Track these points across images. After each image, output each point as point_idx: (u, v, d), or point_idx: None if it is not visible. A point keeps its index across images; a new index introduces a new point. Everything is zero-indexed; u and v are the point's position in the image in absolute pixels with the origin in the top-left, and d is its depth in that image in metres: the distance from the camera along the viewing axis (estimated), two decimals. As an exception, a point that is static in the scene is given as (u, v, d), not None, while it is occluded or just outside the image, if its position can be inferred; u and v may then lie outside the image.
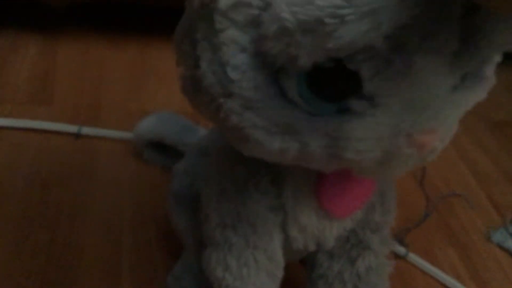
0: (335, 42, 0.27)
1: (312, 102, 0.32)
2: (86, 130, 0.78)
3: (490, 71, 0.34)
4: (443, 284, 0.66)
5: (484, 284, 0.66)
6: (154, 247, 0.65)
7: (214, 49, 0.33)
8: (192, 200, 0.54)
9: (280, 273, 0.48)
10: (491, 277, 0.67)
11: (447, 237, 0.72)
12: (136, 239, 0.65)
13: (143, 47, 0.98)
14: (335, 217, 0.45)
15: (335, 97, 0.32)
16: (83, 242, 0.64)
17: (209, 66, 0.33)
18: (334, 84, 0.31)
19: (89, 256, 0.63)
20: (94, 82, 0.89)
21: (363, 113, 0.31)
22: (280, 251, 0.48)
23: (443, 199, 0.73)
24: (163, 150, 0.73)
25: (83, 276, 0.60)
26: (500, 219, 0.74)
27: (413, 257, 0.68)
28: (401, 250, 0.68)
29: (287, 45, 0.28)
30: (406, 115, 0.31)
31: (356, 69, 0.30)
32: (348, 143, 0.32)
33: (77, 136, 0.78)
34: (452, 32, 0.30)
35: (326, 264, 0.50)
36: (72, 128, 0.78)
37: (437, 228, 0.72)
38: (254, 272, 0.47)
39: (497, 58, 0.33)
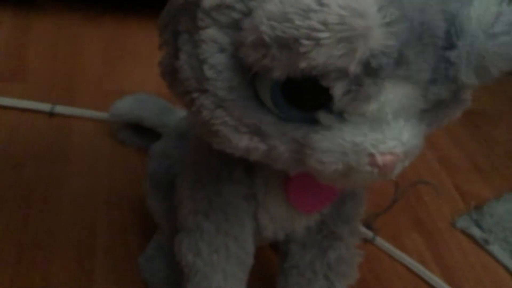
0: (309, 62, 0.28)
1: (283, 109, 0.33)
2: (60, 109, 0.77)
3: (465, 94, 0.36)
4: (408, 268, 0.68)
5: (447, 268, 0.69)
6: (128, 228, 0.65)
7: (194, 44, 0.33)
8: (169, 183, 0.55)
9: (250, 260, 0.49)
10: (454, 261, 0.70)
11: (413, 223, 0.74)
12: (111, 220, 0.66)
13: (120, 24, 0.97)
14: (302, 212, 0.47)
15: (306, 107, 0.33)
16: (57, 223, 0.64)
17: (187, 60, 0.34)
18: (306, 94, 0.32)
19: (63, 236, 0.63)
20: (69, 59, 0.88)
21: (330, 127, 0.32)
22: (251, 239, 0.49)
23: (411, 186, 0.75)
24: (139, 131, 0.73)
25: (56, 257, 0.61)
26: (465, 206, 0.77)
27: (380, 242, 0.70)
28: (369, 234, 0.70)
29: (263, 56, 0.29)
30: (371, 134, 0.32)
31: (328, 86, 0.30)
32: (312, 152, 0.33)
33: (51, 114, 0.77)
34: (426, 63, 0.31)
35: (298, 255, 0.51)
36: (46, 107, 0.77)
37: (404, 214, 0.75)
38: (224, 258, 0.48)
39: (474, 85, 0.34)
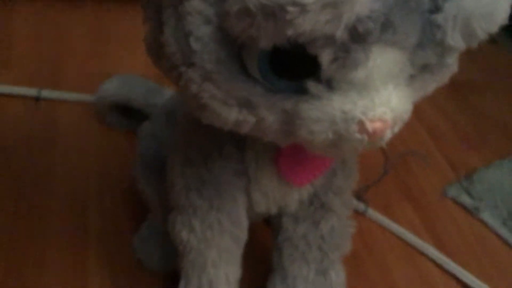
0: (295, 29, 0.28)
1: (271, 79, 0.33)
2: (46, 94, 0.77)
3: (452, 59, 0.36)
4: (400, 238, 0.69)
5: (439, 237, 0.70)
6: (120, 210, 0.66)
7: (179, 17, 0.32)
8: (159, 164, 0.55)
9: (244, 236, 0.50)
10: (446, 230, 0.71)
11: (404, 194, 0.74)
12: (102, 203, 0.66)
13: (104, 7, 0.96)
14: (293, 185, 0.47)
15: (294, 77, 0.32)
16: (48, 209, 0.64)
17: (172, 34, 0.33)
18: (294, 64, 0.32)
19: (55, 222, 0.63)
20: (53, 44, 0.87)
21: (319, 96, 0.32)
22: (244, 214, 0.49)
23: (401, 157, 0.76)
24: (126, 112, 0.72)
25: (49, 242, 0.61)
26: (455, 176, 0.78)
27: (372, 213, 0.70)
28: (360, 206, 0.70)
29: (249, 25, 0.29)
30: (360, 101, 0.32)
31: (315, 54, 0.30)
32: (302, 122, 0.33)
33: (37, 99, 0.76)
34: (413, 26, 0.31)
35: (291, 228, 0.52)
36: (32, 92, 0.77)
37: (395, 185, 0.75)
38: (218, 234, 0.48)
39: (461, 48, 0.34)
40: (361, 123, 0.33)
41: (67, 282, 0.58)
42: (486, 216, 0.72)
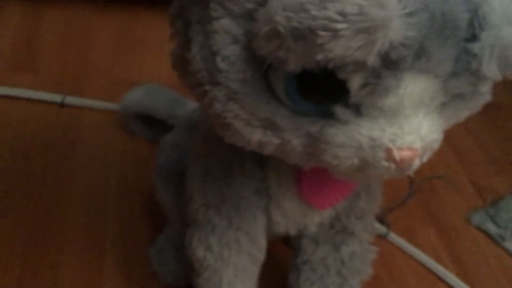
0: (326, 54, 0.27)
1: (298, 102, 0.32)
2: (70, 100, 0.77)
3: (486, 87, 0.34)
4: (422, 264, 0.67)
5: (462, 264, 0.68)
6: (138, 219, 0.65)
7: (206, 35, 0.32)
8: (179, 175, 0.54)
9: (261, 256, 0.49)
10: (469, 258, 0.69)
11: (428, 218, 0.73)
12: (121, 211, 0.66)
13: (130, 15, 0.96)
14: (315, 207, 0.46)
15: (322, 101, 0.32)
16: (67, 213, 0.64)
17: (199, 51, 0.33)
18: (322, 87, 0.31)
19: (73, 227, 0.63)
20: (79, 50, 0.87)
21: (346, 121, 0.31)
22: (262, 234, 0.48)
23: (426, 181, 0.74)
24: (149, 122, 0.72)
25: (67, 247, 0.61)
26: (481, 201, 0.75)
27: (394, 237, 0.69)
28: (382, 229, 0.69)
29: (277, 47, 0.28)
30: (389, 129, 0.31)
31: (345, 78, 0.29)
32: (327, 147, 0.32)
33: (61, 105, 0.77)
34: (447, 55, 0.30)
35: (311, 250, 0.51)
36: (56, 97, 0.77)
37: (419, 209, 0.73)
38: (236, 253, 0.47)
39: (496, 78, 0.33)
40: (389, 151, 0.32)
41: (81, 284, 0.57)
42: (511, 245, 0.70)
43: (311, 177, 0.44)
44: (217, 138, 0.45)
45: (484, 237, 0.72)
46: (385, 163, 0.32)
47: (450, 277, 0.65)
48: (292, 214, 0.47)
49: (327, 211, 0.48)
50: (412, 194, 0.71)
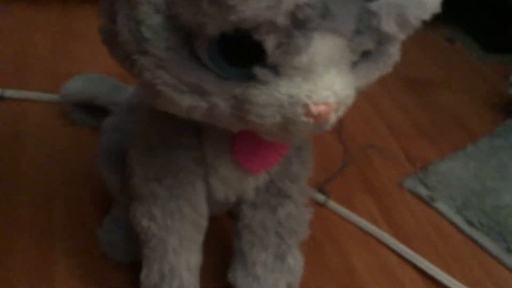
0: (238, 15, 0.30)
1: (221, 66, 0.34)
2: (10, 93, 0.77)
3: (393, 48, 0.38)
4: (360, 227, 0.71)
5: (397, 226, 0.72)
6: (86, 204, 0.66)
7: (131, 7, 0.34)
8: (121, 156, 0.56)
9: (204, 223, 0.51)
10: (403, 219, 0.73)
11: (364, 186, 0.77)
12: (68, 199, 0.67)
13: (69, 7, 0.97)
14: (249, 172, 0.49)
15: (242, 63, 0.34)
16: (14, 205, 0.65)
17: (125, 23, 0.35)
18: (241, 50, 0.34)
19: (20, 219, 0.64)
20: (17, 43, 0.87)
21: (266, 81, 0.34)
22: (204, 202, 0.51)
23: (360, 150, 0.79)
24: (91, 111, 0.73)
25: (15, 240, 0.61)
26: (412, 168, 0.81)
27: (333, 205, 0.73)
28: (321, 198, 0.72)
29: (195, 12, 0.31)
30: (304, 86, 0.34)
31: (260, 40, 0.32)
32: (252, 107, 0.35)
33: (1, 98, 0.77)
34: (350, 14, 0.33)
35: (250, 214, 0.54)
36: (-5, 91, 0.77)
37: (355, 178, 0.78)
38: (179, 222, 0.49)
39: (401, 37, 0.37)
40: (306, 106, 0.35)
41: (34, 272, 0.59)
42: (441, 205, 0.75)
43: (244, 143, 0.47)
44: (154, 113, 0.48)
45: (416, 200, 0.76)
46: (304, 119, 0.36)
47: (386, 237, 0.70)
48: (229, 180, 0.49)
49: (262, 176, 0.51)
50: (346, 164, 0.75)
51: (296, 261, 0.55)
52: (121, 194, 0.58)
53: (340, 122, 0.81)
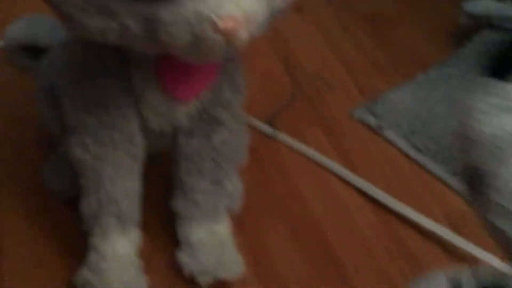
0: None
1: None
2: (-47, 41, 0.76)
3: None
4: (311, 159, 0.72)
5: (346, 154, 0.73)
6: (31, 145, 0.67)
7: None
8: (57, 92, 0.56)
9: (139, 153, 0.52)
10: (353, 148, 0.74)
11: (314, 118, 0.78)
12: (13, 140, 0.67)
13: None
14: (179, 99, 0.49)
15: None
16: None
17: None
18: None
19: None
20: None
21: (173, 0, 0.35)
22: (137, 131, 0.51)
23: (309, 82, 0.79)
24: (35, 53, 0.73)
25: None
26: (363, 99, 0.81)
27: (282, 137, 0.74)
28: (270, 131, 0.73)
29: None
30: (209, 1, 0.35)
31: None
32: (161, 26, 0.36)
33: None
34: None
35: (185, 143, 0.54)
36: None
37: (305, 110, 0.78)
38: (112, 151, 0.50)
39: None
40: (213, 23, 0.36)
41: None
42: (389, 133, 0.76)
43: (171, 71, 0.48)
44: (81, 45, 0.48)
45: (365, 129, 0.77)
46: (213, 35, 0.36)
47: (334, 166, 0.71)
48: (160, 109, 0.50)
49: (193, 103, 0.51)
50: (295, 96, 0.75)
51: (234, 186, 0.56)
52: (61, 130, 0.58)
53: (287, 53, 0.83)
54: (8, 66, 0.75)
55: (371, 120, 0.78)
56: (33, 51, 0.72)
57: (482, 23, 0.91)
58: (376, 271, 0.61)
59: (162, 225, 0.60)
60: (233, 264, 0.55)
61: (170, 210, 0.57)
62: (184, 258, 0.54)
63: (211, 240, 0.55)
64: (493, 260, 0.59)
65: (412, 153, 0.74)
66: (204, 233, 0.55)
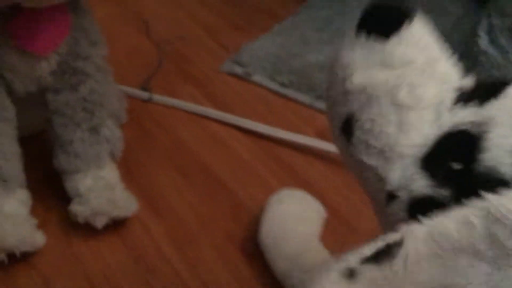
0: None
1: None
2: None
3: None
4: (185, 111, 0.77)
5: (220, 102, 0.79)
6: None
7: None
8: None
9: (10, 115, 0.55)
10: (225, 96, 0.80)
11: (184, 77, 0.83)
12: None
13: None
14: (36, 54, 0.52)
15: None
16: None
17: None
18: None
19: None
20: None
21: None
22: (4, 95, 0.54)
23: (172, 44, 0.84)
24: None
25: None
26: (226, 54, 0.87)
27: (157, 98, 0.78)
28: (145, 95, 0.78)
29: None
30: None
31: None
32: None
33: None
34: None
35: (54, 99, 0.57)
36: None
37: (175, 71, 0.83)
38: None
39: None
40: None
41: None
42: (256, 77, 0.83)
43: (22, 25, 0.51)
44: None
45: (235, 79, 0.84)
46: None
47: (209, 111, 0.76)
48: (20, 68, 0.53)
49: (52, 58, 0.55)
50: (163, 59, 0.80)
51: (112, 131, 0.60)
52: None
53: (146, 22, 0.87)
54: None
55: (238, 69, 0.84)
56: None
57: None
58: (261, 187, 0.67)
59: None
60: (125, 202, 0.58)
61: (54, 170, 0.60)
62: (76, 207, 0.57)
63: (99, 184, 0.57)
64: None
65: (280, 89, 0.81)
66: (91, 181, 0.58)
